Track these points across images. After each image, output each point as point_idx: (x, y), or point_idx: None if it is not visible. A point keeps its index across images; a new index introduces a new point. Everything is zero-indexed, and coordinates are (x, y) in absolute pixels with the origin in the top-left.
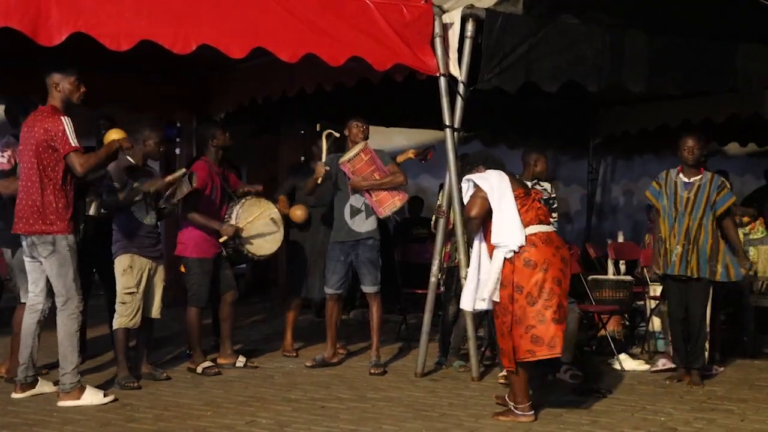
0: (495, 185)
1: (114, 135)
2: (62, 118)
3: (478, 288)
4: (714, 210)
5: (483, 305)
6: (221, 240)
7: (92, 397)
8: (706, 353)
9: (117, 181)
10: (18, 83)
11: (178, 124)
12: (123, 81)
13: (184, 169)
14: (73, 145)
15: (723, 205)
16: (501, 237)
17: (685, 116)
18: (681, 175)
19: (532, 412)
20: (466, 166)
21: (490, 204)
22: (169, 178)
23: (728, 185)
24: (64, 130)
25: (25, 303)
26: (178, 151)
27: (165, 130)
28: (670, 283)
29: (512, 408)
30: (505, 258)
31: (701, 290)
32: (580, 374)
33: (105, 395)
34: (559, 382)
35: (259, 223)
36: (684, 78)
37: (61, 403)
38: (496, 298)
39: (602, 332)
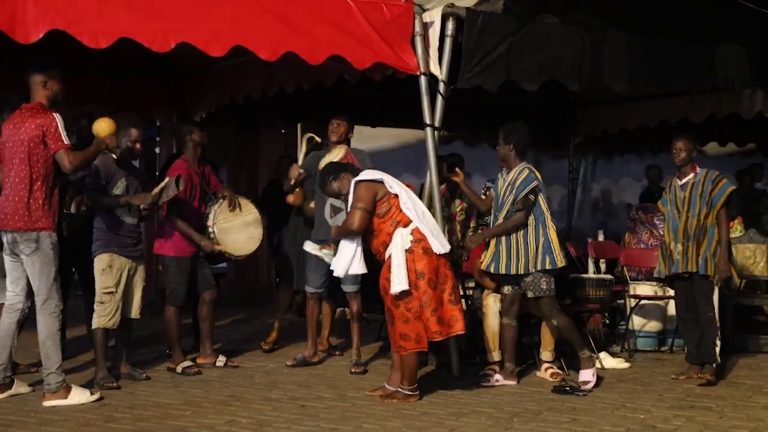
0: (400, 186)
1: (103, 124)
2: (54, 114)
3: (392, 279)
4: (713, 205)
5: (357, 270)
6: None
7: (79, 395)
8: (717, 348)
9: (102, 178)
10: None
11: (158, 124)
12: (103, 81)
13: (167, 179)
14: (65, 142)
15: (721, 198)
16: (427, 232)
17: (664, 116)
18: (676, 179)
19: (418, 392)
20: (329, 176)
21: (394, 207)
22: (156, 190)
23: (725, 177)
24: (57, 126)
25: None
26: (158, 150)
27: (144, 130)
28: (677, 283)
29: (400, 389)
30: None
31: (705, 286)
32: (560, 372)
33: (92, 393)
34: (539, 381)
35: (237, 223)
36: (664, 77)
37: (48, 403)
38: (406, 286)
39: (582, 331)
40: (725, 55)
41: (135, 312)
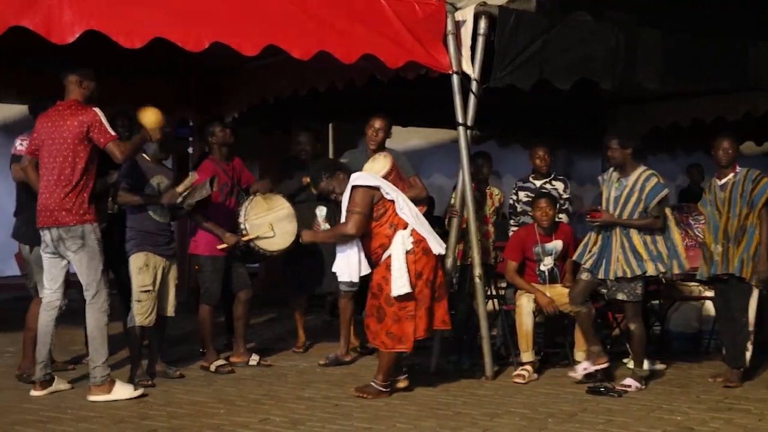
0: (396, 192)
1: (150, 114)
2: (95, 109)
3: (393, 282)
4: (754, 205)
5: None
6: (220, 247)
7: (123, 391)
8: (748, 353)
9: (133, 177)
10: (39, 84)
11: (191, 124)
12: (135, 81)
13: (193, 174)
14: (112, 134)
15: (762, 197)
16: (426, 234)
17: (698, 115)
18: (716, 179)
19: (389, 389)
20: (324, 173)
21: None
22: (180, 188)
23: (766, 176)
24: (101, 120)
25: (40, 299)
26: (190, 150)
27: (175, 130)
28: (717, 284)
29: (373, 383)
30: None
31: (741, 289)
32: (595, 374)
33: (135, 389)
34: (574, 382)
35: (269, 218)
36: (697, 76)
37: (92, 398)
38: (409, 289)
39: (616, 331)
40: (759, 53)
41: (170, 310)
